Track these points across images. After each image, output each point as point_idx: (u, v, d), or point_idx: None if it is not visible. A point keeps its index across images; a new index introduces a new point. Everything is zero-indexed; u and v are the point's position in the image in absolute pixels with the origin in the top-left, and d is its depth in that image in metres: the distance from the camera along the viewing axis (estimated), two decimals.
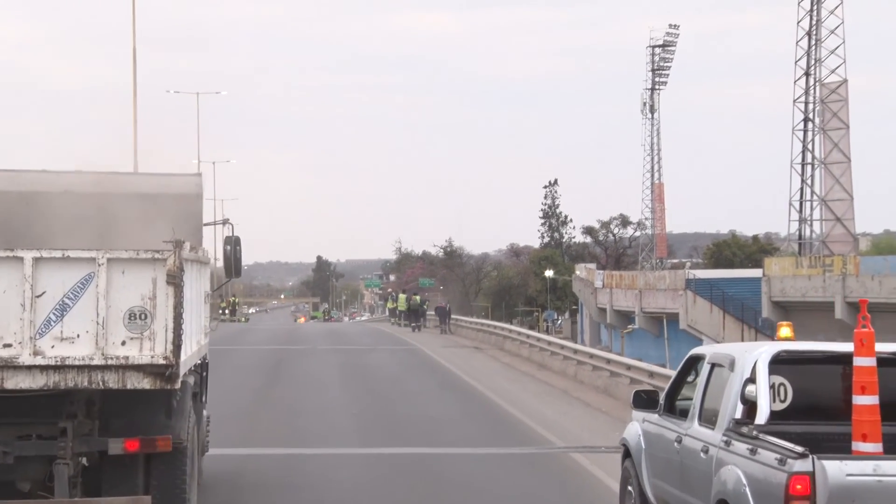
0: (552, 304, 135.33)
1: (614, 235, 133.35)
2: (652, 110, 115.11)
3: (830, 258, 56.93)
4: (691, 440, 9.33)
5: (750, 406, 8.52)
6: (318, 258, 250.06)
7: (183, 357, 9.70)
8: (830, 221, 64.67)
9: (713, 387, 9.37)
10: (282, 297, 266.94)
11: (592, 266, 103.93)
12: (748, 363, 8.65)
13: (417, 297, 57.50)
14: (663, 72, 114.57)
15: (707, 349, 10.60)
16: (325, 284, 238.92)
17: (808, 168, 65.91)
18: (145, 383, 9.52)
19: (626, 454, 11.02)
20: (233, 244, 15.85)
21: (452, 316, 54.48)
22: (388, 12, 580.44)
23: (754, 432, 8.15)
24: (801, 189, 65.88)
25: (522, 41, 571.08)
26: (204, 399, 13.50)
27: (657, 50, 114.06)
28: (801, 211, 66.00)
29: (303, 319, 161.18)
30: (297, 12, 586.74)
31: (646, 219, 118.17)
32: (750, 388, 8.52)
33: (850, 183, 64.42)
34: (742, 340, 64.96)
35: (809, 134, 65.93)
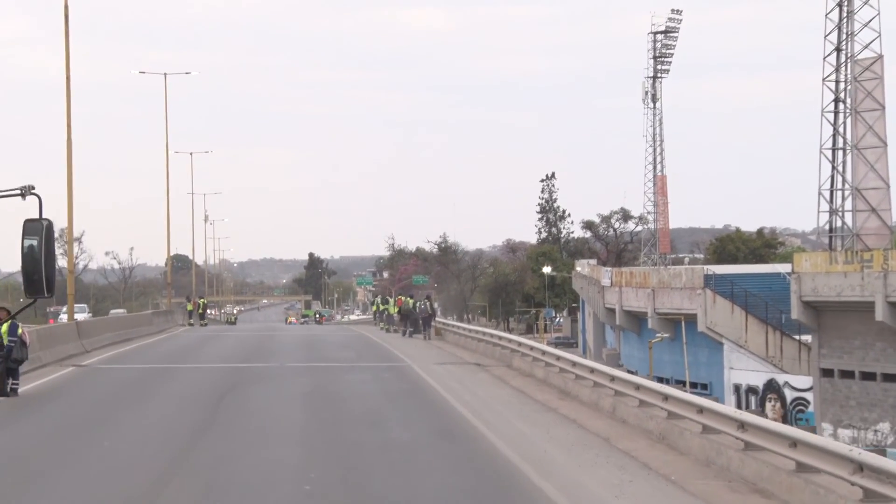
0: (550, 301, 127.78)
1: (615, 230, 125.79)
2: (654, 99, 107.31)
3: (869, 253, 49.32)
4: None
5: None
6: (311, 255, 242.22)
7: None
8: (864, 212, 57.00)
9: None
10: (275, 294, 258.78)
11: (593, 262, 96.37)
12: None
13: (410, 300, 49.75)
14: (665, 59, 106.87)
15: None
16: (317, 282, 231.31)
17: (839, 154, 58.23)
18: None
19: None
20: (41, 235, 8.01)
21: (449, 322, 46.85)
22: (379, 8, 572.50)
23: None
24: (832, 177, 58.17)
25: (515, 36, 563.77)
26: None
27: (659, 36, 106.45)
28: (831, 201, 58.28)
29: (293, 319, 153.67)
30: (291, 9, 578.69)
31: (648, 213, 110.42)
32: None
33: (887, 169, 56.84)
34: (766, 344, 57.50)
35: (840, 116, 58.28)
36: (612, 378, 21.59)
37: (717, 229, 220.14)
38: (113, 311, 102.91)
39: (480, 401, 23.20)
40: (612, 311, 66.49)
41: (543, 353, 27.75)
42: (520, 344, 30.80)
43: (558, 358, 26.22)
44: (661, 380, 60.88)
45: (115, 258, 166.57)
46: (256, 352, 36.98)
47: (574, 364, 24.66)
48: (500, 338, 33.57)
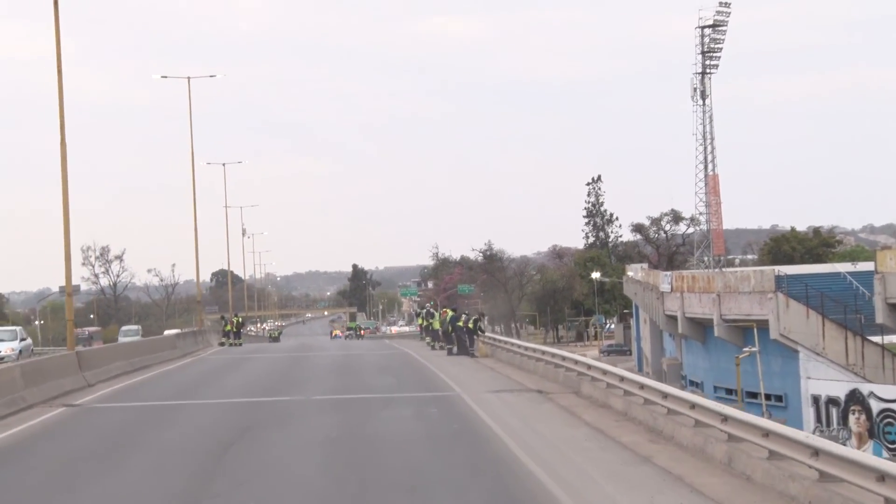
0: (600, 307, 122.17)
1: (666, 233, 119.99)
2: (703, 96, 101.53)
3: None
4: None
5: None
6: (354, 266, 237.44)
7: None
8: None
9: None
10: (319, 307, 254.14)
11: (644, 266, 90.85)
12: None
13: (449, 312, 44.42)
14: (714, 54, 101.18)
15: None
16: (361, 293, 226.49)
17: None
18: None
19: None
20: None
21: (500, 338, 41.63)
22: (420, 17, 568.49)
23: None
24: None
25: (554, 40, 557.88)
26: None
27: (707, 31, 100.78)
28: None
29: (338, 332, 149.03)
30: (331, 21, 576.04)
31: (700, 213, 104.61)
32: None
33: None
34: (846, 350, 51.78)
35: None
36: (725, 418, 16.27)
37: (764, 230, 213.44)
38: (167, 332, 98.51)
39: (550, 446, 17.95)
40: (674, 318, 60.93)
41: (622, 378, 22.41)
42: (589, 367, 25.47)
43: (642, 386, 20.88)
44: (729, 391, 55.43)
45: (157, 275, 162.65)
46: (282, 380, 31.86)
47: (665, 396, 19.33)
48: (564, 358, 28.24)
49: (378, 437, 19.21)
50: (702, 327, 58.28)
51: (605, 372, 23.97)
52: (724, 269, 75.94)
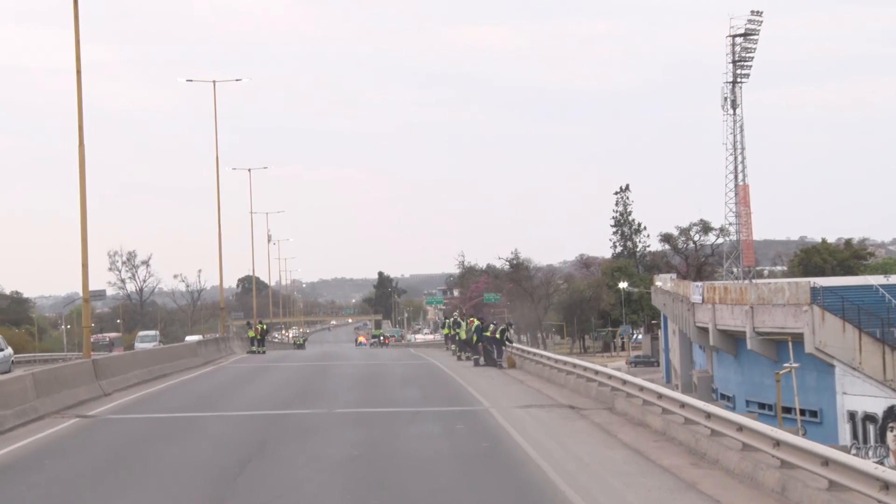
0: (627, 318, 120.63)
1: (695, 243, 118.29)
2: (734, 105, 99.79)
3: None
4: None
5: None
6: (380, 274, 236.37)
7: None
8: None
9: None
10: (344, 314, 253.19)
11: (673, 276, 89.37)
12: None
13: (476, 322, 43.18)
14: (745, 63, 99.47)
15: None
16: (386, 301, 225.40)
17: None
18: None
19: None
20: None
21: (529, 349, 40.35)
22: (451, 26, 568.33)
23: None
24: None
25: (584, 52, 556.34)
26: None
27: (738, 40, 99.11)
28: None
29: (363, 339, 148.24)
30: (357, 30, 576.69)
31: (729, 224, 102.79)
32: None
33: None
34: (884, 365, 50.24)
35: None
36: (777, 443, 15.00)
37: (793, 241, 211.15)
38: (188, 338, 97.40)
39: (587, 470, 16.72)
40: (705, 329, 59.47)
41: (660, 395, 21.14)
42: (624, 382, 24.18)
43: (683, 405, 19.59)
44: (762, 406, 53.93)
45: (183, 280, 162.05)
46: (304, 391, 30.69)
47: (709, 416, 18.04)
48: (598, 372, 26.96)
49: (403, 456, 18.03)
50: (734, 340, 56.84)
51: (641, 388, 22.68)
52: (755, 281, 74.34)
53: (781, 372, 43.83)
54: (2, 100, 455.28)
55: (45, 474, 17.01)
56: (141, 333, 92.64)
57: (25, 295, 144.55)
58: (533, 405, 25.53)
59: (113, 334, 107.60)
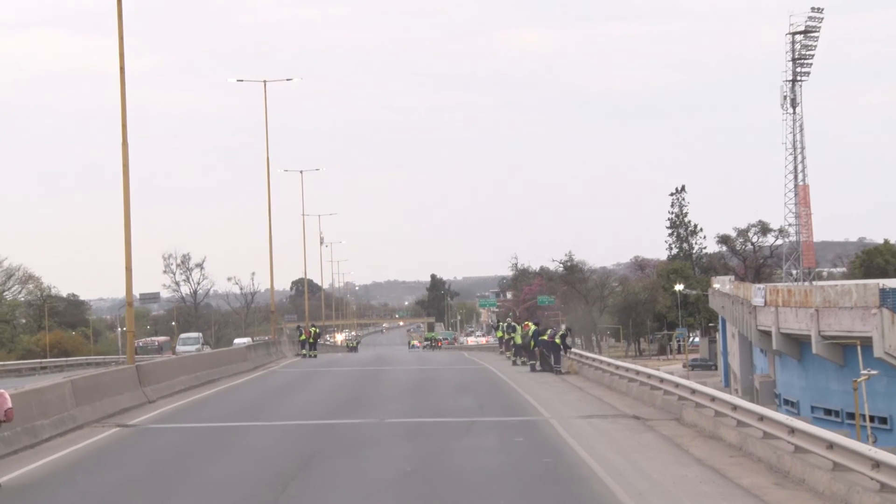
0: (683, 321, 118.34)
1: (753, 244, 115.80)
2: (793, 104, 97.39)
3: None
4: None
5: None
6: (433, 276, 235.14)
7: None
8: None
9: None
10: (396, 317, 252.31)
11: (731, 278, 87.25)
12: None
13: (532, 326, 41.65)
14: (805, 61, 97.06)
15: None
16: (439, 303, 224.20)
17: None
18: None
19: None
20: None
21: (587, 354, 38.78)
22: (496, 30, 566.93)
23: None
24: None
25: (637, 53, 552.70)
26: None
27: (798, 37, 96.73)
28: None
29: (415, 342, 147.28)
30: (409, 35, 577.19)
31: (789, 225, 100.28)
32: None
33: None
34: None
35: None
36: (877, 464, 13.42)
37: (851, 242, 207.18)
38: (236, 341, 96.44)
39: (661, 491, 15.21)
40: (767, 333, 57.46)
41: (734, 407, 19.56)
42: (693, 391, 22.62)
43: (761, 418, 18.01)
44: (828, 412, 51.95)
45: (237, 283, 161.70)
46: (354, 399, 29.34)
47: (792, 431, 16.47)
48: (663, 380, 25.41)
49: (458, 474, 16.63)
50: (798, 343, 54.83)
51: (713, 398, 21.12)
52: (818, 283, 72.10)
53: (860, 379, 41.84)
54: (69, 106, 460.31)
55: (76, 492, 15.82)
56: (183, 336, 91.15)
57: (82, 297, 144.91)
58: (595, 415, 24.03)
59: (162, 338, 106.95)
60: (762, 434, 17.87)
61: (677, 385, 24.02)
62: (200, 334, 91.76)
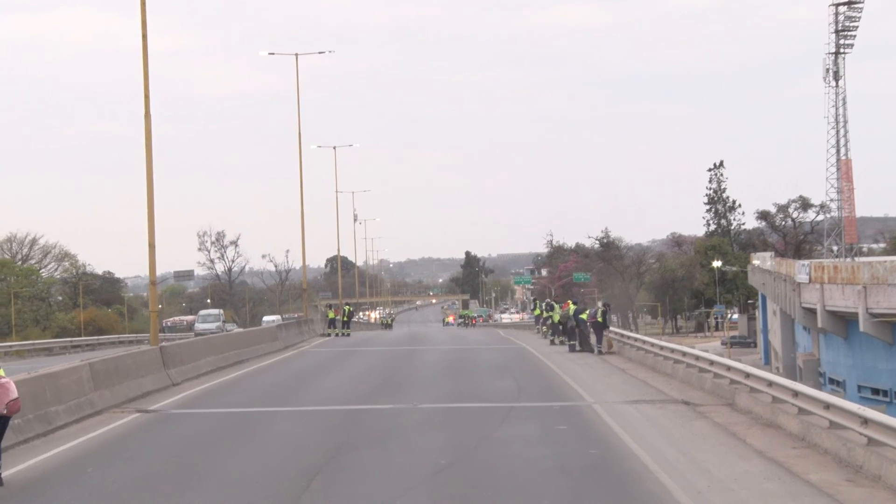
0: (721, 297, 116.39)
1: (793, 220, 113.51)
2: (836, 77, 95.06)
3: None
4: None
5: None
6: (467, 254, 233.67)
7: None
8: None
9: None
10: (430, 294, 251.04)
11: (771, 254, 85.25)
12: None
13: (571, 305, 40.17)
14: (849, 32, 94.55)
15: None
16: (474, 281, 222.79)
17: None
18: None
19: None
20: None
21: (628, 333, 37.29)
22: (537, 8, 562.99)
23: None
24: None
25: (675, 29, 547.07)
26: None
27: (841, 8, 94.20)
28: None
29: (451, 318, 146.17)
30: (446, 11, 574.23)
31: (830, 200, 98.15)
32: None
33: None
34: None
35: None
36: None
37: (891, 218, 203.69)
38: (266, 318, 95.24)
39: (721, 488, 13.72)
40: (812, 310, 55.63)
41: (795, 393, 18.01)
42: (748, 375, 21.08)
43: (828, 406, 16.48)
44: (876, 392, 50.19)
45: (271, 260, 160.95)
46: (386, 382, 27.96)
47: (865, 421, 14.93)
48: (713, 363, 23.88)
49: (497, 468, 15.21)
50: (844, 321, 52.98)
51: (770, 383, 19.58)
52: (858, 259, 70.09)
53: None
54: (109, 86, 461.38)
55: (82, 488, 14.51)
56: (202, 313, 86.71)
57: (119, 275, 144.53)
58: (642, 400, 22.54)
59: (191, 317, 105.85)
60: (828, 423, 16.35)
61: (729, 368, 22.48)
62: (220, 311, 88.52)
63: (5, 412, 14.79)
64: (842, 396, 17.56)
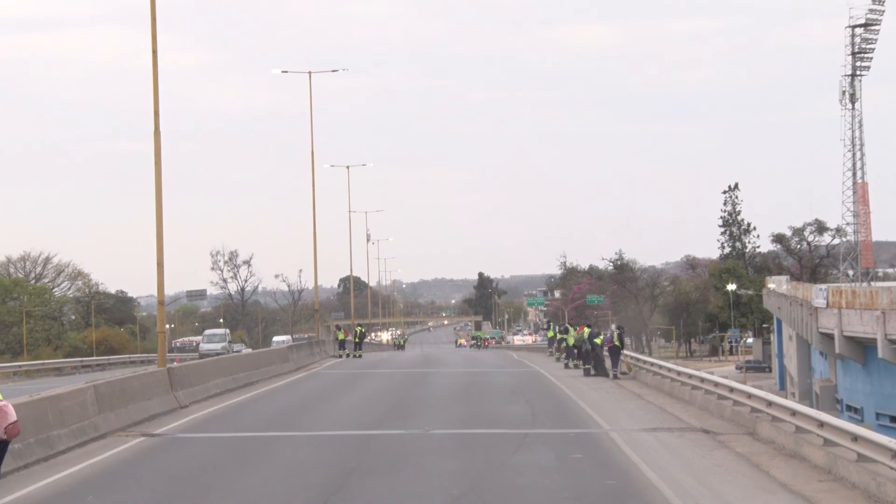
0: (736, 321, 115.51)
1: (809, 243, 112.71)
2: (852, 100, 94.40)
3: None
4: None
5: None
6: (480, 275, 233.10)
7: None
8: None
9: None
10: (442, 315, 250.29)
11: (787, 278, 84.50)
12: None
13: (586, 329, 39.66)
14: (865, 55, 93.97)
15: None
16: (486, 302, 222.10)
17: None
18: None
19: None
20: None
21: (643, 357, 36.68)
22: (547, 26, 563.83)
23: None
24: None
25: (689, 50, 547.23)
26: None
27: (858, 31, 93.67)
28: None
29: (463, 341, 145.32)
30: (458, 30, 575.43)
31: (846, 223, 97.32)
32: None
33: None
34: None
35: None
36: None
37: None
38: (275, 339, 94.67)
39: None
40: (829, 336, 54.89)
41: (821, 424, 17.39)
42: (770, 404, 20.46)
43: (855, 438, 15.86)
44: (894, 419, 49.38)
45: (284, 280, 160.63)
46: (398, 406, 27.39)
47: (895, 455, 14.31)
48: (733, 390, 23.25)
49: (513, 498, 14.63)
50: (862, 347, 52.21)
51: (794, 412, 18.96)
52: (875, 284, 69.34)
53: None
54: (123, 103, 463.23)
55: None
56: (207, 332, 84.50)
57: (132, 294, 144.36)
58: (660, 428, 21.92)
59: (199, 337, 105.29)
60: (856, 456, 15.74)
61: (750, 395, 21.87)
62: (227, 330, 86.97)
63: (5, 436, 14.24)
64: (871, 428, 16.97)
